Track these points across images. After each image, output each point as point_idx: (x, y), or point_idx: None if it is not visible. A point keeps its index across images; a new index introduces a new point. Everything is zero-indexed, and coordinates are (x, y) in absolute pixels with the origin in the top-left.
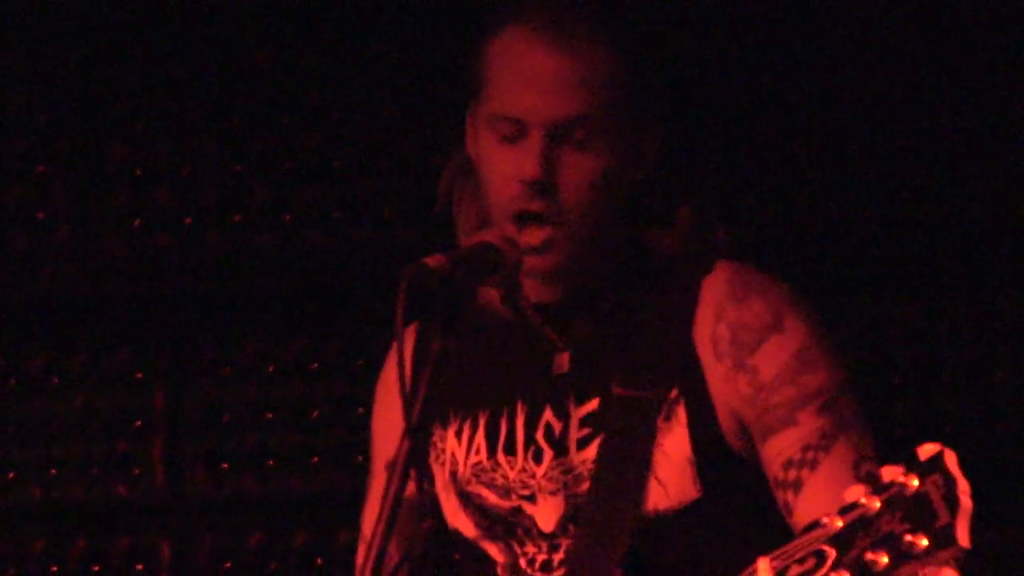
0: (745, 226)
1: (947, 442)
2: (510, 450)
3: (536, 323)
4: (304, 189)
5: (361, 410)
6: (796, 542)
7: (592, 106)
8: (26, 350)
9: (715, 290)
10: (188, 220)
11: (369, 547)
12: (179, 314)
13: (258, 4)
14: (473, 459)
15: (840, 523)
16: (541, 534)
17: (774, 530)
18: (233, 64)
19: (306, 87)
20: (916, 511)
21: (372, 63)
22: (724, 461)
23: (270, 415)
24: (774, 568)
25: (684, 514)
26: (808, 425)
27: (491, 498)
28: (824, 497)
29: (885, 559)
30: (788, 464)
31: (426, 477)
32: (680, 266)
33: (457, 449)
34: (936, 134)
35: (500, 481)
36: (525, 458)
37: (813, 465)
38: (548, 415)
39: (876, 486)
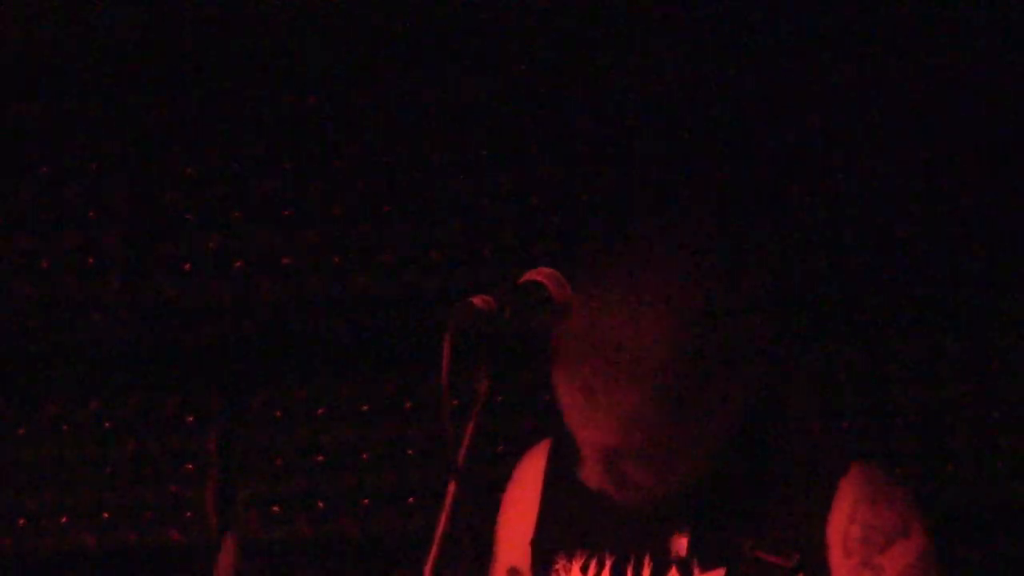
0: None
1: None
2: None
3: (643, 515)
4: (352, 232)
5: (411, 452)
6: None
7: (644, 438)
8: (77, 395)
9: (850, 492)
10: (239, 263)
11: None
12: (230, 358)
13: (309, 50)
14: None
15: None
16: None
17: None
18: (284, 109)
19: (357, 130)
20: None
21: (415, 104)
22: None
23: (321, 457)
24: None
25: None
26: None
27: None
28: None
29: None
30: None
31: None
32: (818, 464)
33: None
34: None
35: None
36: None
37: None
38: (674, 573)
39: None
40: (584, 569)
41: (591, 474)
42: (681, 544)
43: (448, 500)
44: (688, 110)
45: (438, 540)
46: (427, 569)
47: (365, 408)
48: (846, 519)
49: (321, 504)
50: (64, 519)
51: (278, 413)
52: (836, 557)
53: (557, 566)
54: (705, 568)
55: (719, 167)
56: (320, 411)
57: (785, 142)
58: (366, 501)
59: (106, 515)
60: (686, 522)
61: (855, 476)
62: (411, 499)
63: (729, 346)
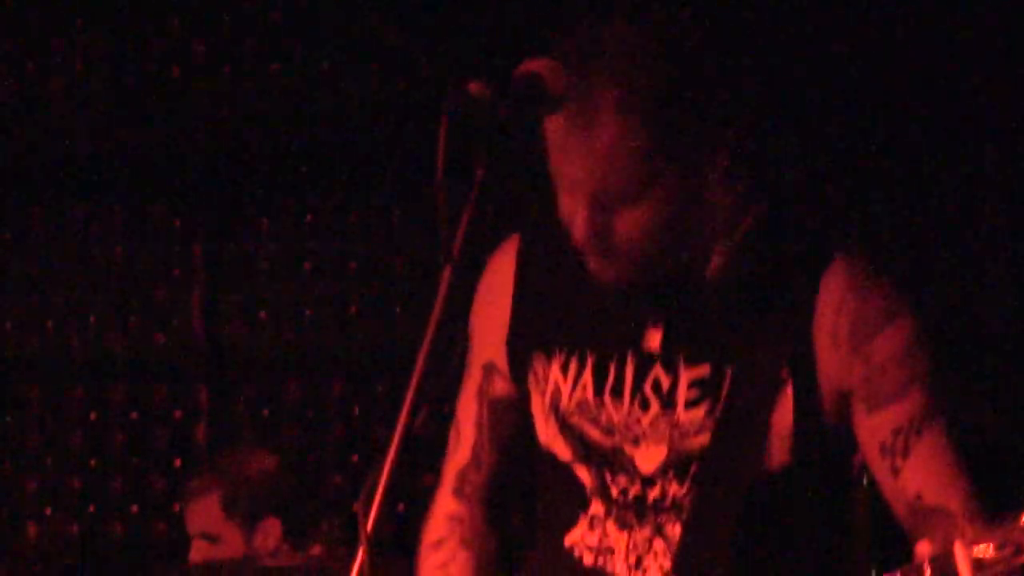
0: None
1: None
2: (617, 393)
3: (623, 301)
4: (343, 39)
5: (398, 260)
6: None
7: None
8: (67, 200)
9: (835, 285)
10: (227, 69)
11: (413, 374)
12: (217, 166)
13: None
14: (578, 395)
15: None
16: (638, 473)
17: (847, 499)
18: None
19: None
20: None
21: None
22: (818, 435)
23: (307, 265)
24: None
25: (775, 478)
26: (915, 400)
27: (593, 433)
28: (927, 459)
29: None
30: (897, 432)
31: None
32: (801, 258)
33: (562, 382)
34: None
35: (604, 420)
36: (631, 404)
37: (919, 433)
38: (658, 370)
39: None
40: (564, 368)
41: (579, 226)
42: (655, 338)
43: (443, 286)
44: None
45: (433, 325)
46: (421, 356)
47: (352, 218)
48: (832, 311)
49: (309, 312)
50: (49, 323)
51: (265, 220)
52: (824, 349)
53: (535, 365)
54: (690, 364)
55: None
56: (308, 219)
57: None
58: (353, 310)
59: (92, 319)
60: (661, 314)
61: (839, 268)
62: (397, 309)
63: (717, 106)
